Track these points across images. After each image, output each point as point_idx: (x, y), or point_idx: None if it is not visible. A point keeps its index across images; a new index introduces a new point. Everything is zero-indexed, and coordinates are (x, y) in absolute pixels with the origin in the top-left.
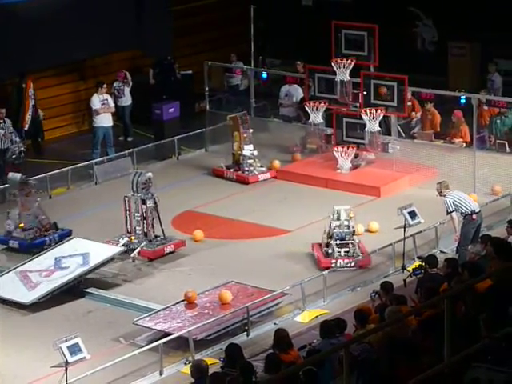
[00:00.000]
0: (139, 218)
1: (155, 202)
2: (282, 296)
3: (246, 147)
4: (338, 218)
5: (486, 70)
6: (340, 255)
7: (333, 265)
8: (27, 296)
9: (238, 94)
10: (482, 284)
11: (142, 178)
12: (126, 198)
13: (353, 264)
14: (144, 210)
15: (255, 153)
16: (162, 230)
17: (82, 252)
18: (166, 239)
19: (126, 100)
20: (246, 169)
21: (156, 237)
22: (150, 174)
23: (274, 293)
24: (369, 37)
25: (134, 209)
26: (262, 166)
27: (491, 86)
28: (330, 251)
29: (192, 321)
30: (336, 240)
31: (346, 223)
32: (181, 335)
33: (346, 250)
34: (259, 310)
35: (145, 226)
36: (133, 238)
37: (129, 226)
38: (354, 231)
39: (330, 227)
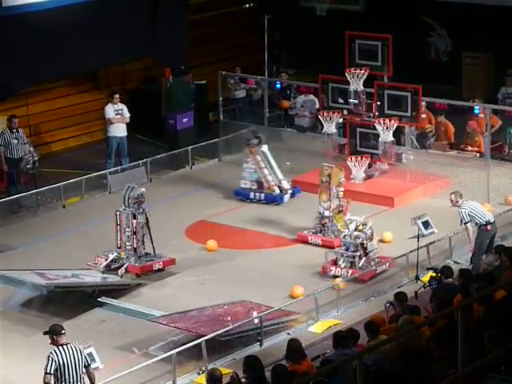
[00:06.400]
0: (129, 234)
1: (146, 218)
2: (295, 315)
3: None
4: (348, 228)
5: (502, 83)
6: (343, 264)
7: (331, 272)
8: (44, 282)
9: (252, 104)
10: (496, 294)
11: (135, 192)
12: (118, 213)
13: (348, 275)
14: (134, 226)
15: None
16: (153, 246)
17: (101, 276)
18: (156, 256)
19: None
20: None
21: (147, 254)
22: (143, 189)
23: (286, 306)
24: (382, 47)
25: (125, 224)
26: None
27: None
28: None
29: (206, 321)
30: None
31: (355, 234)
32: (195, 336)
33: (351, 260)
34: (272, 323)
35: (134, 241)
36: (122, 253)
37: (119, 241)
38: (365, 243)
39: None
